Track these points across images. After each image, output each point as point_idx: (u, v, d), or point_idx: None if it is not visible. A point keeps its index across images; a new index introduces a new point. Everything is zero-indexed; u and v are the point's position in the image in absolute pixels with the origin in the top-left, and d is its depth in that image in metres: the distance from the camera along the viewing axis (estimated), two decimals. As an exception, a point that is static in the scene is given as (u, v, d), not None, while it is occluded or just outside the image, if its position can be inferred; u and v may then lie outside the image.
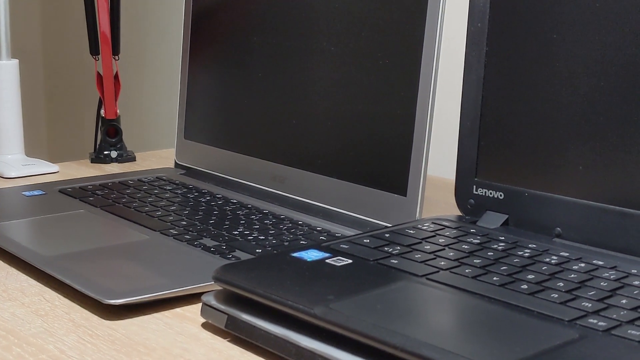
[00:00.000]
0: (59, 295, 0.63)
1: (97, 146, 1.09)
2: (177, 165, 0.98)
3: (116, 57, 1.07)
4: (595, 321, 0.49)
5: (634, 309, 0.50)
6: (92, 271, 0.65)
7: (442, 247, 0.62)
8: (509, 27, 0.68)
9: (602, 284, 0.55)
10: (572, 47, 0.64)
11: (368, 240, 0.64)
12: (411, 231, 0.66)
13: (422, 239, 0.64)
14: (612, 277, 0.56)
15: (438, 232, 0.66)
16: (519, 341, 0.47)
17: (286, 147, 0.84)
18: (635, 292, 0.53)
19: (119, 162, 1.07)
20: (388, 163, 0.73)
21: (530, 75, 0.67)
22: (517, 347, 0.46)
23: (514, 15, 0.68)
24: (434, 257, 0.60)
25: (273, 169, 0.84)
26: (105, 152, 1.07)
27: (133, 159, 1.08)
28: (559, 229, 0.65)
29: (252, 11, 0.88)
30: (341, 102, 0.78)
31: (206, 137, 0.94)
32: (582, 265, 0.58)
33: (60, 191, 0.88)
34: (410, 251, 0.61)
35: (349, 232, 0.72)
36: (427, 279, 0.56)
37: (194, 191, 0.87)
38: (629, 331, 0.47)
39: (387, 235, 0.65)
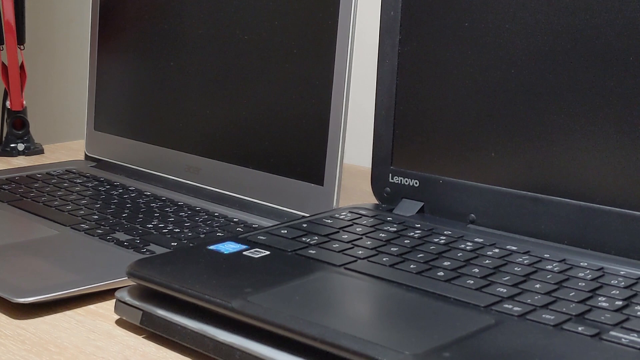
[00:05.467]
0: (-36, 295, 0.60)
1: (3, 139, 1.05)
2: (87, 157, 0.95)
3: (21, 47, 1.04)
4: (510, 306, 0.50)
5: (548, 293, 0.52)
6: (0, 269, 0.62)
7: (359, 236, 0.62)
8: (422, 15, 0.68)
9: (516, 269, 0.56)
10: (483, 36, 0.65)
11: (285, 231, 0.63)
12: (328, 221, 0.66)
13: (340, 228, 0.64)
14: (525, 262, 0.57)
15: (355, 221, 0.66)
16: (436, 328, 0.48)
17: (200, 138, 0.82)
18: (548, 276, 0.54)
19: (26, 155, 1.04)
20: (304, 152, 0.72)
21: (443, 63, 0.67)
22: (435, 335, 0.46)
23: (426, 3, 0.68)
24: (352, 246, 0.60)
25: (187, 159, 0.83)
26: (12, 145, 1.04)
27: (41, 152, 1.05)
28: (473, 215, 0.66)
29: (162, -1, 0.87)
30: (255, 92, 0.77)
31: (117, 128, 0.92)
32: (496, 250, 0.59)
33: (-37, 186, 0.85)
34: (328, 241, 0.61)
35: (266, 222, 0.71)
36: (345, 268, 0.56)
37: (105, 184, 0.85)
38: (543, 315, 0.48)
39: (304, 225, 0.65)
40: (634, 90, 0.57)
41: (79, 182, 0.86)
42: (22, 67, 1.04)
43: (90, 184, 0.85)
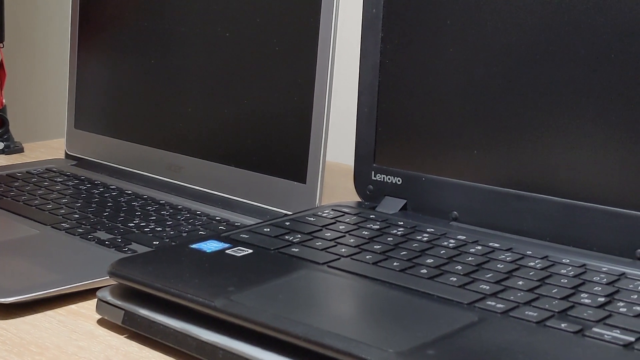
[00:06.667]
0: (-57, 296, 0.60)
1: (-18, 137, 1.04)
2: (67, 155, 0.95)
3: (1, 45, 1.03)
4: (493, 303, 0.50)
5: (530, 290, 0.52)
6: (-21, 269, 0.62)
7: (342, 234, 0.62)
8: (404, 13, 0.68)
9: (498, 266, 0.56)
10: (465, 33, 0.65)
11: (268, 229, 0.63)
12: (311, 218, 0.66)
13: (323, 226, 0.64)
14: (508, 259, 0.57)
15: (338, 218, 0.66)
16: (420, 326, 0.48)
17: (182, 136, 0.82)
18: (530, 273, 0.54)
19: (5, 154, 1.03)
20: (287, 150, 0.72)
21: (425, 60, 0.67)
22: (418, 332, 0.46)
23: (408, 1, 0.68)
24: (335, 244, 0.60)
25: (169, 158, 0.82)
26: (-9, 144, 1.03)
27: (21, 150, 1.04)
28: (455, 212, 0.66)
29: (143, -4, 0.86)
30: (237, 89, 0.77)
31: (98, 126, 0.91)
32: (479, 248, 0.59)
33: (-58, 185, 0.84)
34: (311, 239, 0.61)
35: (248, 221, 0.71)
36: (329, 266, 0.56)
37: (86, 182, 0.85)
38: (526, 312, 0.48)
39: (287, 223, 0.64)
40: (615, 88, 0.58)
41: (59, 181, 0.85)
42: (1, 65, 1.03)
43: (70, 183, 0.85)
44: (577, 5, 0.59)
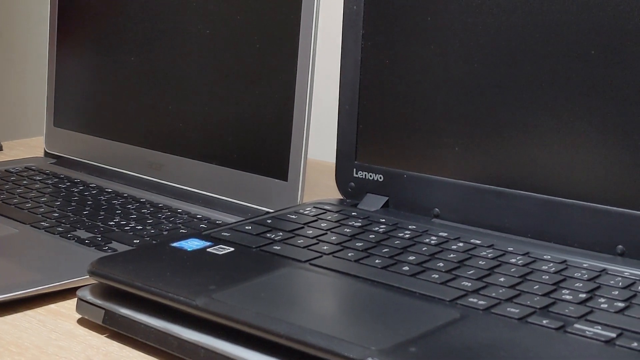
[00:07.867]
0: None
1: (-40, 136, 1.03)
2: (47, 154, 0.94)
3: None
4: (475, 300, 0.50)
5: (512, 286, 0.52)
6: (-43, 269, 0.61)
7: (324, 232, 0.62)
8: (385, 10, 0.68)
9: (480, 262, 0.56)
10: (447, 30, 0.65)
11: (250, 227, 0.63)
12: (293, 216, 0.66)
13: (304, 223, 0.64)
14: (489, 255, 0.57)
15: (320, 216, 0.66)
16: (402, 323, 0.48)
17: (162, 133, 0.82)
18: (512, 270, 0.54)
19: (-16, 152, 1.02)
20: (268, 148, 0.72)
21: (407, 57, 0.67)
22: (401, 330, 0.46)
23: (389, -2, 0.68)
24: (317, 241, 0.60)
25: (149, 156, 0.82)
26: (-31, 142, 1.02)
27: (-1, 149, 1.03)
28: (437, 209, 0.66)
29: (123, -7, 0.86)
30: (218, 87, 0.77)
31: (78, 124, 0.91)
32: (461, 244, 0.59)
33: None
34: (293, 237, 0.61)
35: (230, 219, 0.71)
36: (311, 264, 0.56)
37: (65, 181, 0.84)
38: (508, 309, 0.48)
39: (268, 221, 0.64)
40: (596, 85, 0.58)
41: (38, 180, 0.85)
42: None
43: (50, 181, 0.84)
44: (558, 2, 0.59)
